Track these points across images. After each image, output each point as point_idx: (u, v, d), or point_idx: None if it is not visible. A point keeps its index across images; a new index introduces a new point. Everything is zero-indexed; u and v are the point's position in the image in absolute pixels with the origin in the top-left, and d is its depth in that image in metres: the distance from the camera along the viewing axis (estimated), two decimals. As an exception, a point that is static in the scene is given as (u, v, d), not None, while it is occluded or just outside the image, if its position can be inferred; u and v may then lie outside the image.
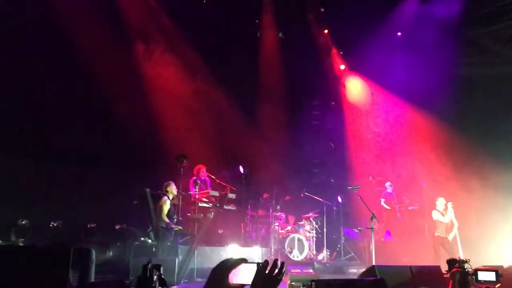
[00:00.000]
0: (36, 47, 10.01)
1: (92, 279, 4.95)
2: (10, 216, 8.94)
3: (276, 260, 2.03)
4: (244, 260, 2.03)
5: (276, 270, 1.98)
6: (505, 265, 6.53)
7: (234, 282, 2.00)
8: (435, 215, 10.38)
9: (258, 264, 1.99)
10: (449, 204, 10.35)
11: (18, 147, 9.66)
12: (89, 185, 9.97)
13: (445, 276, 5.52)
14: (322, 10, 13.71)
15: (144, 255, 7.89)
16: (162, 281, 3.45)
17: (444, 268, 5.21)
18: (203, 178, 10.26)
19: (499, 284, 4.80)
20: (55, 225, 9.26)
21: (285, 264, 2.03)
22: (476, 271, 4.90)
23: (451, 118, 11.85)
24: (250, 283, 1.98)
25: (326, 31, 14.08)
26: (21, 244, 8.23)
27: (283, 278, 1.98)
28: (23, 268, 4.55)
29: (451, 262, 4.96)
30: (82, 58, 10.17)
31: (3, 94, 9.45)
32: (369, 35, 12.51)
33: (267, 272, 1.97)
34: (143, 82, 11.50)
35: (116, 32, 10.76)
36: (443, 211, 10.35)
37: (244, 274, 2.01)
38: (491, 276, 4.85)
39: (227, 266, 2.01)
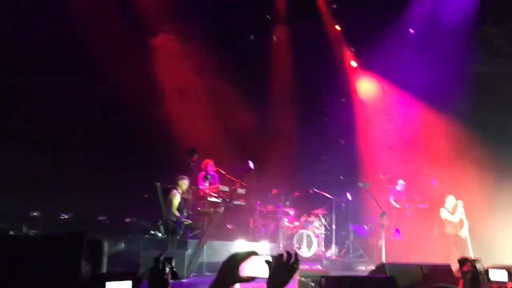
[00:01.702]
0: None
1: (104, 271, 4.99)
2: (21, 208, 9.02)
3: (288, 251, 2.07)
4: (254, 253, 2.04)
5: (293, 259, 2.04)
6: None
7: (245, 275, 2.01)
8: (444, 213, 10.27)
9: (268, 261, 2.03)
10: (460, 203, 10.21)
11: (30, 139, 9.73)
12: (100, 178, 10.02)
13: (456, 275, 5.49)
14: (334, 6, 13.61)
15: (154, 248, 7.95)
16: (174, 274, 3.46)
17: (454, 266, 5.17)
18: (211, 173, 10.26)
19: (511, 283, 4.76)
20: (66, 217, 9.33)
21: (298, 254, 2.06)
22: (487, 270, 4.86)
23: (466, 116, 11.73)
24: (260, 275, 2.01)
25: (338, 27, 13.98)
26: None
27: (299, 266, 2.00)
28: (35, 258, 4.59)
29: (462, 261, 4.92)
30: (93, 53, 10.22)
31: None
32: (381, 33, 12.44)
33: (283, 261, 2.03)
34: (154, 75, 11.47)
35: (128, 24, 10.76)
36: (452, 209, 10.24)
37: (255, 267, 2.03)
38: (503, 275, 4.80)
39: (237, 259, 2.03)
